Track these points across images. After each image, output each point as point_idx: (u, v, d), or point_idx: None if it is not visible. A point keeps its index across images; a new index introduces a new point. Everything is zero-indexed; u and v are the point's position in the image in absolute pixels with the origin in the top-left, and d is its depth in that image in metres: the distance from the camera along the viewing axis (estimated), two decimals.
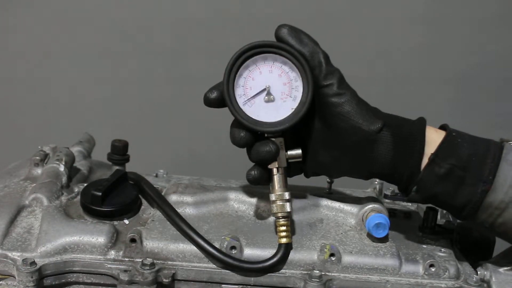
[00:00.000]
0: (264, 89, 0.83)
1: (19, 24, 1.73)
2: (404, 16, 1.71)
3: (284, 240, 0.85)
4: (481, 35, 1.74)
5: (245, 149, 0.85)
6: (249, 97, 0.83)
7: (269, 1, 1.70)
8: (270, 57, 0.82)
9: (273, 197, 0.85)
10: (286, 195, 0.84)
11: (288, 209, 0.84)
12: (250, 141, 0.83)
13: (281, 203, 0.84)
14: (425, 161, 0.82)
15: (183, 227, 0.86)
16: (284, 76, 0.83)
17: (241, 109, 0.82)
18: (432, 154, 0.81)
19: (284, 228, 0.84)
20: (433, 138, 0.83)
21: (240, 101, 0.82)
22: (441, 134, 0.83)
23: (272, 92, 0.83)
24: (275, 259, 0.84)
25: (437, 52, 1.75)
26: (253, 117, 0.82)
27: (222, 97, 0.82)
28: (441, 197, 0.83)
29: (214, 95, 0.83)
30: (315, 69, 0.82)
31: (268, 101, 0.83)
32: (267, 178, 0.85)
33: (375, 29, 1.72)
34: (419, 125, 0.84)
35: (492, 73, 1.76)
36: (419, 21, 1.72)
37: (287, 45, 0.82)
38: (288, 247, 0.85)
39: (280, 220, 0.85)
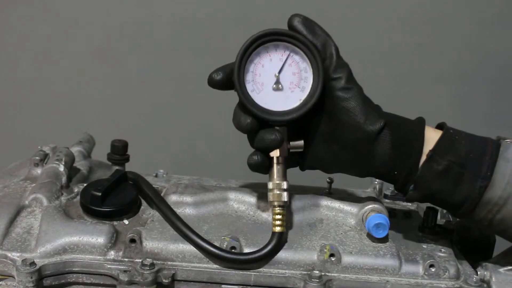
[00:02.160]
0: (273, 77, 0.82)
1: (19, 24, 1.73)
2: (404, 16, 1.71)
3: (278, 229, 0.84)
4: (481, 35, 1.74)
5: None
6: (258, 84, 0.82)
7: (269, 1, 1.70)
8: (282, 46, 0.82)
9: (270, 185, 0.84)
10: (284, 185, 0.84)
11: (285, 199, 0.84)
12: (255, 128, 0.82)
13: (278, 192, 0.84)
14: (423, 159, 0.82)
15: (178, 224, 0.86)
16: (294, 65, 0.82)
17: (249, 95, 0.82)
18: (430, 151, 0.82)
19: (279, 216, 0.84)
20: (432, 137, 0.83)
21: (248, 87, 0.82)
22: (439, 133, 0.84)
23: (280, 81, 0.82)
24: (269, 247, 0.84)
25: (437, 51, 1.75)
26: (261, 105, 0.82)
27: (227, 79, 0.82)
28: (439, 194, 0.83)
29: (219, 76, 0.82)
30: (325, 60, 0.82)
31: (276, 89, 0.82)
32: (267, 166, 0.84)
33: (375, 29, 1.72)
34: (419, 125, 0.84)
35: (492, 73, 1.76)
36: (419, 21, 1.72)
37: (300, 35, 0.81)
38: (281, 236, 0.85)
39: (276, 208, 0.84)
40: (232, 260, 0.84)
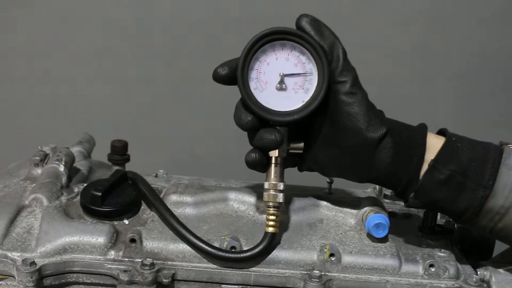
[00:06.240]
0: (278, 76, 0.81)
1: (19, 24, 1.73)
2: (404, 16, 1.71)
3: (271, 230, 0.84)
4: (481, 35, 1.74)
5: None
6: (261, 82, 0.81)
7: (269, 1, 1.70)
8: (289, 45, 0.81)
9: (267, 185, 0.84)
10: (281, 186, 0.84)
11: (280, 200, 0.84)
12: (256, 126, 0.82)
13: (274, 192, 0.83)
14: (424, 167, 0.81)
15: (172, 222, 0.86)
16: (299, 66, 0.81)
17: (252, 93, 0.81)
18: (432, 160, 0.81)
19: (273, 217, 0.84)
20: (433, 144, 0.82)
21: (252, 84, 0.81)
22: (441, 140, 0.83)
23: (285, 81, 0.81)
24: (259, 247, 0.84)
25: (437, 51, 1.75)
26: (263, 103, 0.81)
27: (232, 74, 0.80)
28: (441, 203, 0.82)
29: (225, 71, 0.81)
30: (332, 63, 0.80)
31: (280, 89, 0.81)
32: (265, 165, 0.84)
33: (375, 29, 1.72)
34: (420, 132, 0.83)
35: (492, 72, 1.76)
36: (419, 21, 1.72)
37: (308, 35, 0.80)
38: (274, 237, 0.84)
39: (271, 209, 0.84)
40: (223, 258, 0.84)
